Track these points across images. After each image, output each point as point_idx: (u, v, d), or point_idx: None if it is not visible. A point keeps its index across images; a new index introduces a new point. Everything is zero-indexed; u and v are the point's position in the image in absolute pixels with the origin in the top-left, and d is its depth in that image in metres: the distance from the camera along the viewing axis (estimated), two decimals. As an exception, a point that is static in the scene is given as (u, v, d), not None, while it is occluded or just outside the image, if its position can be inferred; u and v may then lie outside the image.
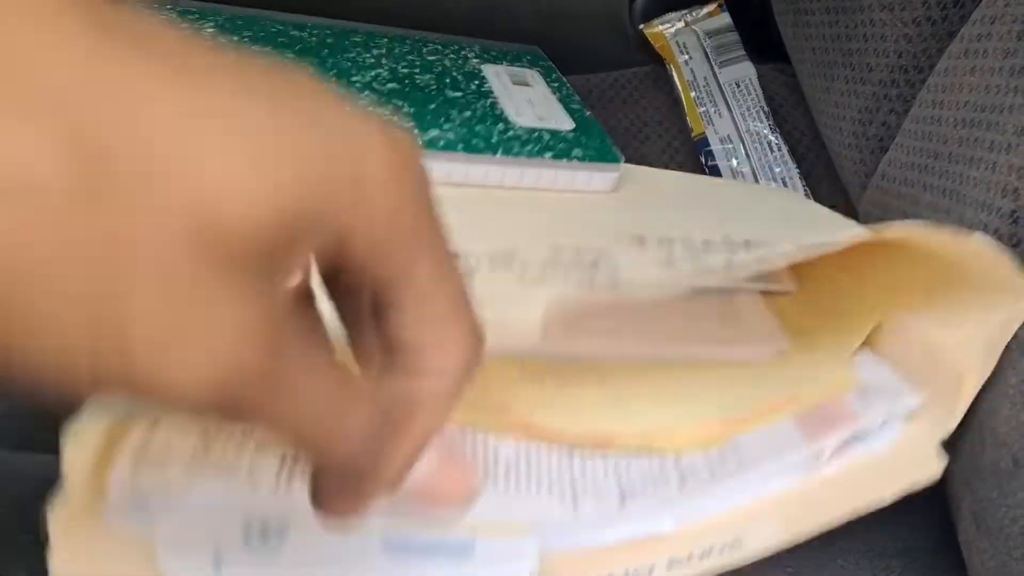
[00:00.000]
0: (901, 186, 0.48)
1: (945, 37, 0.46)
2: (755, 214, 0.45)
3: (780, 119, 0.62)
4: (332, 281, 0.21)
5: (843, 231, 0.35)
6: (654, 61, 0.66)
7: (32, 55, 0.15)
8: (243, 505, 0.31)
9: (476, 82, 0.52)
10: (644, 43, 0.67)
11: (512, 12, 0.68)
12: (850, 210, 0.54)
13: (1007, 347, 0.34)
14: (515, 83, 0.53)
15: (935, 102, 0.46)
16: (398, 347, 0.21)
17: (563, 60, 0.66)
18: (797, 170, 0.58)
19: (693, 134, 0.60)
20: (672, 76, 0.63)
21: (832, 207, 0.56)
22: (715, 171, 0.58)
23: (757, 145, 0.58)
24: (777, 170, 0.58)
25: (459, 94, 0.50)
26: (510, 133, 0.45)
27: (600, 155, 0.45)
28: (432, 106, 0.47)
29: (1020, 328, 0.34)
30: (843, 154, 0.55)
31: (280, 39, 0.52)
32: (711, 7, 0.65)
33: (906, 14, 0.48)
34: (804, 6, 0.57)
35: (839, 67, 0.54)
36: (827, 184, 0.58)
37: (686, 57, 0.63)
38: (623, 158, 0.45)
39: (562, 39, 0.67)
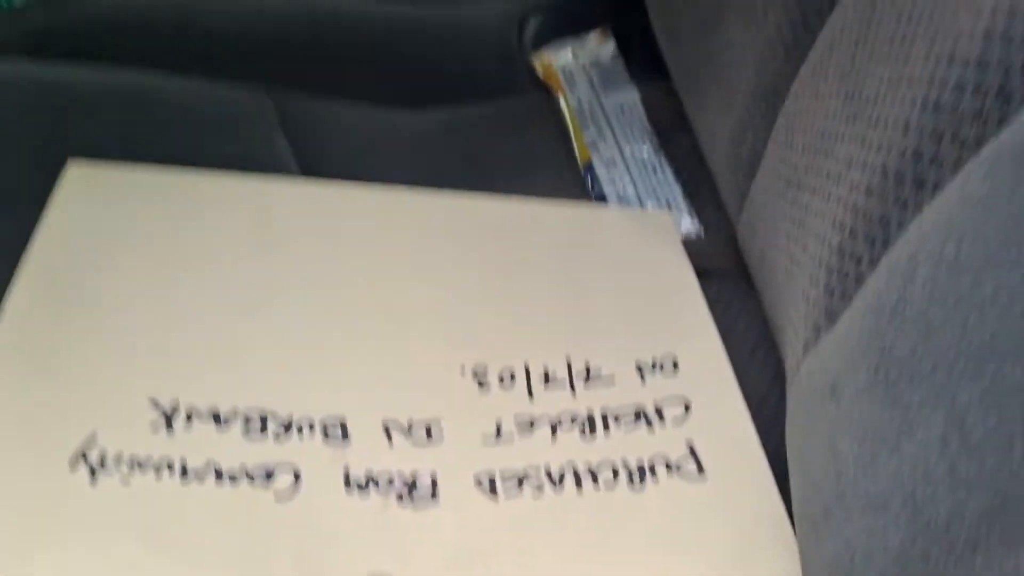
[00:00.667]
0: (766, 212, 0.48)
1: (798, 60, 0.46)
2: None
3: (667, 140, 0.61)
4: None
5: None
6: (543, 89, 0.65)
7: None
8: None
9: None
10: (532, 72, 0.67)
11: (398, 39, 0.67)
12: (732, 232, 0.54)
13: (819, 392, 0.34)
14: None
15: (788, 127, 0.46)
16: None
17: (453, 89, 0.66)
18: (681, 192, 0.58)
19: (580, 162, 0.60)
20: (560, 105, 0.63)
21: (717, 227, 0.56)
22: (601, 197, 0.58)
23: (641, 168, 0.58)
24: (661, 192, 0.58)
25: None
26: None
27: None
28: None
29: (826, 372, 0.34)
30: (721, 175, 0.55)
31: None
32: (596, 34, 0.65)
33: (761, 36, 0.48)
34: (675, 23, 0.57)
35: (710, 87, 0.54)
36: (711, 207, 0.57)
37: (573, 85, 0.63)
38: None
39: (451, 68, 0.67)
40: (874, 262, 0.33)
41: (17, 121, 0.55)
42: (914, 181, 0.32)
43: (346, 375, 0.43)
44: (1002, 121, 0.29)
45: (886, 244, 0.33)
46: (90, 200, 0.48)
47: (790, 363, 0.41)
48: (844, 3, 0.42)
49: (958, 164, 0.30)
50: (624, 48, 0.67)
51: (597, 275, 0.51)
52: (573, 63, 0.64)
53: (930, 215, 0.29)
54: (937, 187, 0.31)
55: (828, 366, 0.33)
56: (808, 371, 0.37)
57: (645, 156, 0.59)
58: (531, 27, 0.71)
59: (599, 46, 0.64)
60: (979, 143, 0.30)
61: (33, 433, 0.38)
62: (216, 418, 0.40)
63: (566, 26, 0.69)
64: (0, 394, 0.39)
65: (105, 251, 0.46)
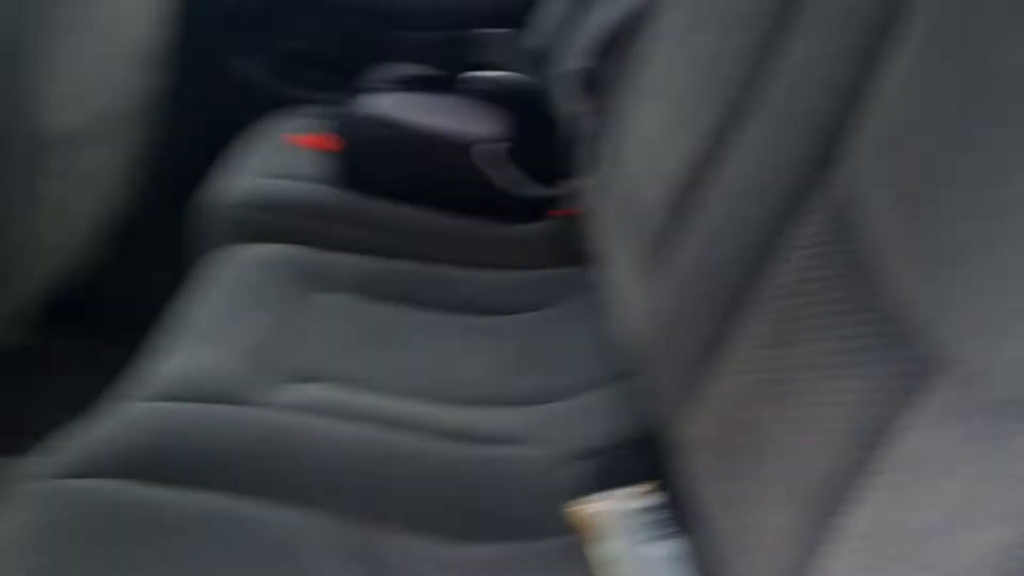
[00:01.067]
0: None
1: (815, 550, 0.53)
2: None
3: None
4: None
5: None
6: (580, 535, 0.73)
7: None
8: None
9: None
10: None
11: (448, 482, 0.76)
12: None
13: None
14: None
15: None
16: None
17: (498, 530, 0.73)
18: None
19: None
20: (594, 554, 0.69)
21: None
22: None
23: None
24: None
25: None
26: None
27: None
28: None
29: None
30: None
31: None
32: (642, 488, 0.73)
33: (782, 521, 0.56)
34: (701, 497, 0.65)
35: (735, 561, 0.60)
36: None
37: (614, 534, 0.70)
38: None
39: (497, 511, 0.74)
40: None
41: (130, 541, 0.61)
42: None
43: None
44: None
45: None
46: None
47: None
48: (860, 509, 0.50)
49: None
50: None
51: None
52: (613, 512, 0.71)
53: None
54: None
55: None
56: None
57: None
58: (578, 473, 0.80)
59: (644, 498, 0.72)
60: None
61: None
62: None
63: (606, 476, 0.78)
64: None
65: None
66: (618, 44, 1.07)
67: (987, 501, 0.40)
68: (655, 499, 0.72)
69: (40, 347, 1.55)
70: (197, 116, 1.80)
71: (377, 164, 1.28)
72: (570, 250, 1.29)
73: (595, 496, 0.74)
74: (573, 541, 0.72)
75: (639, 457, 0.81)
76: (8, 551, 0.61)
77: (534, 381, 0.96)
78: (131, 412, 0.76)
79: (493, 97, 1.24)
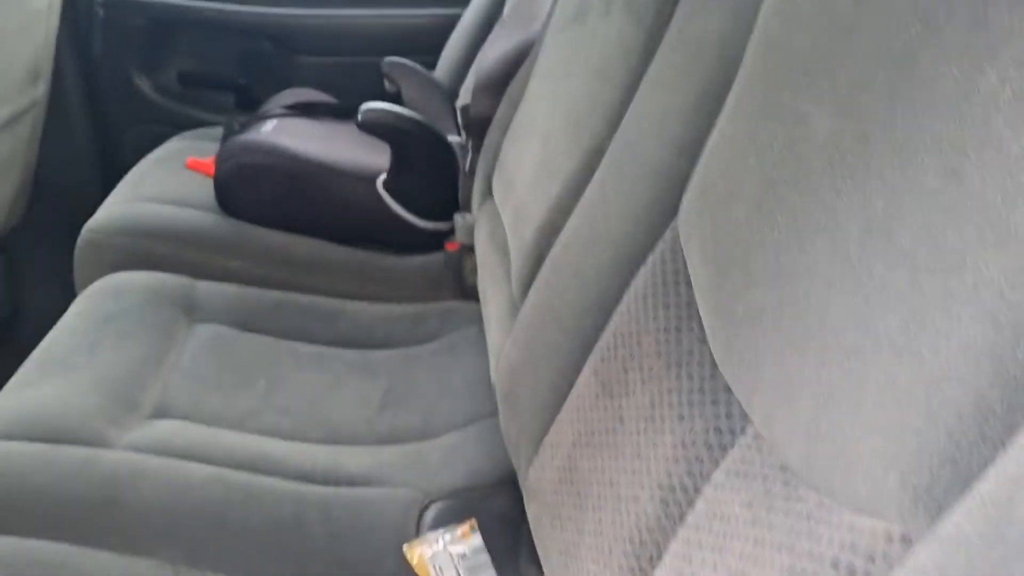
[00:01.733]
0: None
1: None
2: None
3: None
4: None
5: None
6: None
7: None
8: None
9: None
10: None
11: (304, 524, 0.75)
12: None
13: None
14: None
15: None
16: None
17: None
18: None
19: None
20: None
21: None
22: None
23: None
24: None
25: None
26: None
27: None
28: None
29: None
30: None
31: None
32: (464, 528, 0.73)
33: (608, 572, 0.56)
34: (546, 544, 0.66)
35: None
36: None
37: (444, 577, 0.70)
38: None
39: (352, 556, 0.74)
40: None
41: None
42: None
43: None
44: None
45: None
46: None
47: None
48: (664, 562, 0.51)
49: None
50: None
51: None
52: (443, 556, 0.71)
53: None
54: None
55: None
56: None
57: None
58: (431, 514, 0.80)
59: (465, 540, 0.72)
60: None
61: None
62: None
63: (465, 513, 0.78)
64: None
65: None
66: (496, 84, 1.08)
67: (762, 565, 0.41)
68: (474, 542, 0.72)
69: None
70: (100, 134, 1.76)
71: (256, 192, 1.26)
72: (463, 283, 1.29)
73: (424, 538, 0.74)
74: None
75: (496, 499, 0.81)
76: None
77: (403, 419, 0.95)
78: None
79: (374, 130, 1.23)
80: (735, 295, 0.51)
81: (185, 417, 0.88)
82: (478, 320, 1.15)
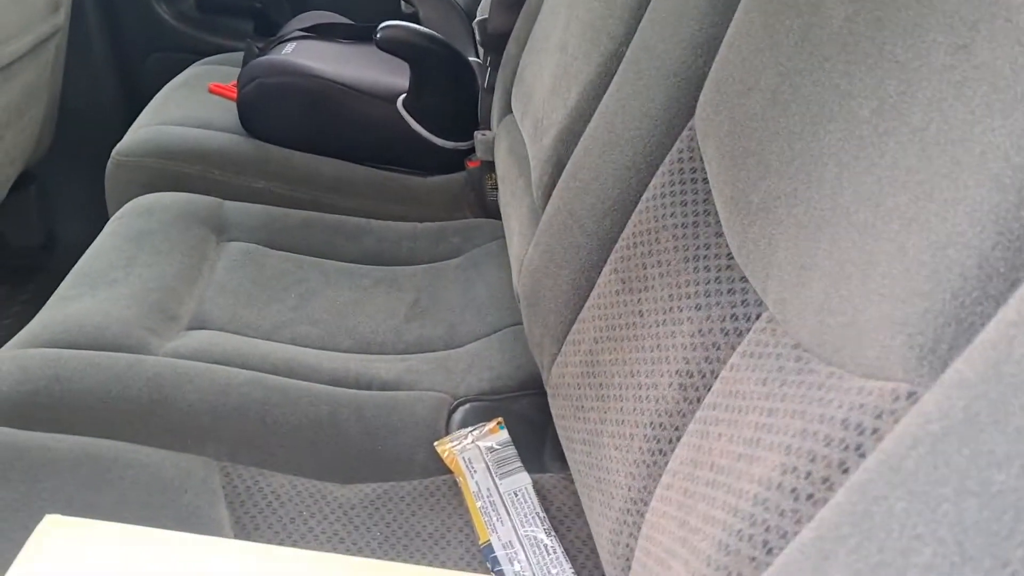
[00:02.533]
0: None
1: (655, 479, 0.57)
2: None
3: (565, 525, 0.71)
4: None
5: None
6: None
7: None
8: None
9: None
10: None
11: (340, 423, 0.78)
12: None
13: None
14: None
15: (648, 536, 0.55)
16: None
17: (384, 470, 0.76)
18: (573, 573, 0.66)
19: (480, 542, 0.68)
20: (462, 488, 0.73)
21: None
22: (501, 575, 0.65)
23: (534, 548, 0.67)
24: (555, 571, 0.66)
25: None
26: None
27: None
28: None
29: None
30: (606, 567, 0.63)
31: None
32: (492, 425, 0.77)
33: (629, 455, 0.59)
34: (570, 435, 0.69)
35: (595, 491, 0.64)
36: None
37: (473, 471, 0.73)
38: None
39: (385, 451, 0.77)
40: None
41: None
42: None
43: None
44: (766, 566, 0.39)
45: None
46: (57, 547, 0.54)
47: None
48: (682, 441, 0.54)
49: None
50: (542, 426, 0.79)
51: None
52: (472, 449, 0.74)
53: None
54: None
55: None
56: None
57: (539, 539, 0.67)
58: (459, 415, 0.84)
59: (493, 435, 0.76)
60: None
61: None
62: None
63: (490, 414, 0.81)
64: None
65: None
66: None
67: (771, 433, 0.43)
68: (501, 436, 0.76)
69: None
70: (121, 62, 1.77)
71: (279, 113, 1.28)
72: (485, 200, 1.31)
73: (454, 435, 0.77)
74: (446, 477, 0.75)
75: (519, 401, 0.84)
76: None
77: (430, 329, 0.98)
78: (7, 360, 0.77)
79: (392, 49, 1.23)
80: (750, 186, 0.52)
81: (221, 328, 0.91)
82: (499, 235, 1.17)
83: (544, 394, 0.86)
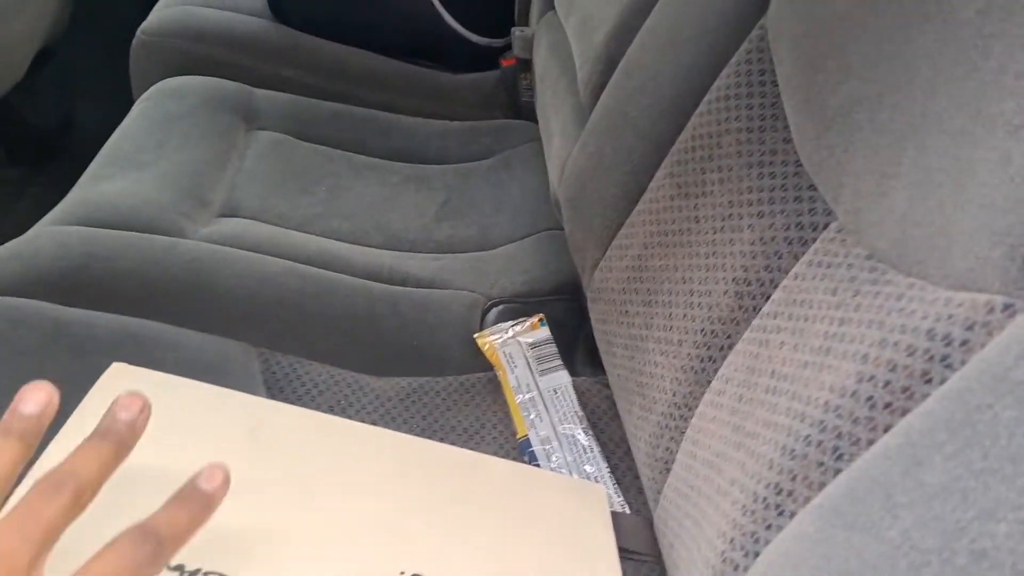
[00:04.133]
0: (675, 510, 0.56)
1: (704, 386, 0.57)
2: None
3: (598, 427, 0.71)
4: None
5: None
6: (496, 368, 0.76)
7: None
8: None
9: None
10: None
11: (376, 316, 0.78)
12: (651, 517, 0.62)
13: None
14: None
15: (693, 440, 0.55)
16: None
17: (419, 365, 0.76)
18: (609, 474, 0.67)
19: (517, 436, 0.69)
20: (502, 382, 0.73)
21: (639, 512, 0.64)
22: (536, 472, 0.66)
23: (571, 446, 0.67)
24: (589, 469, 0.67)
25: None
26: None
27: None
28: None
29: None
30: (642, 470, 0.63)
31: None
32: (533, 321, 0.76)
33: (676, 361, 0.59)
34: (611, 339, 0.68)
35: (635, 395, 0.64)
36: (635, 491, 0.66)
37: (513, 365, 0.73)
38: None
39: (420, 346, 0.77)
40: (744, 569, 0.41)
41: (36, 353, 0.63)
42: (775, 507, 0.41)
43: (302, 557, 0.48)
44: (835, 472, 0.39)
45: (755, 554, 0.41)
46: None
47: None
48: (736, 348, 0.53)
49: (805, 500, 0.39)
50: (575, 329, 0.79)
51: (531, 520, 0.57)
52: (513, 344, 0.74)
53: (780, 542, 0.38)
54: (790, 514, 0.40)
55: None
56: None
57: (577, 437, 0.68)
58: (493, 315, 0.83)
59: (534, 331, 0.75)
60: (820, 485, 0.39)
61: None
62: (180, 572, 0.45)
63: (524, 316, 0.81)
64: None
65: None
66: None
67: (844, 342, 0.42)
68: (542, 333, 0.76)
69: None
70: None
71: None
72: (517, 101, 1.28)
73: (494, 328, 0.77)
74: (481, 375, 0.76)
75: (553, 305, 0.83)
76: None
77: (461, 230, 0.97)
78: (45, 236, 0.76)
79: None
80: (828, 90, 0.50)
81: (253, 217, 0.90)
82: (532, 138, 1.14)
83: (577, 299, 0.86)
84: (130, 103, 1.10)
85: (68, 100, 1.57)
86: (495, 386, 0.75)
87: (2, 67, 1.39)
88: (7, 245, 0.74)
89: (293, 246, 0.85)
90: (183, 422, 0.55)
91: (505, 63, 1.26)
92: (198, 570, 0.46)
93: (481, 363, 0.78)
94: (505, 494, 0.59)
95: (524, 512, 0.58)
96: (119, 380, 0.56)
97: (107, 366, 0.57)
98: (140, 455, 0.51)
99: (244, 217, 0.90)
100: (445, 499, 0.57)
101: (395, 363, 0.75)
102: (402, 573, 0.50)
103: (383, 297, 0.80)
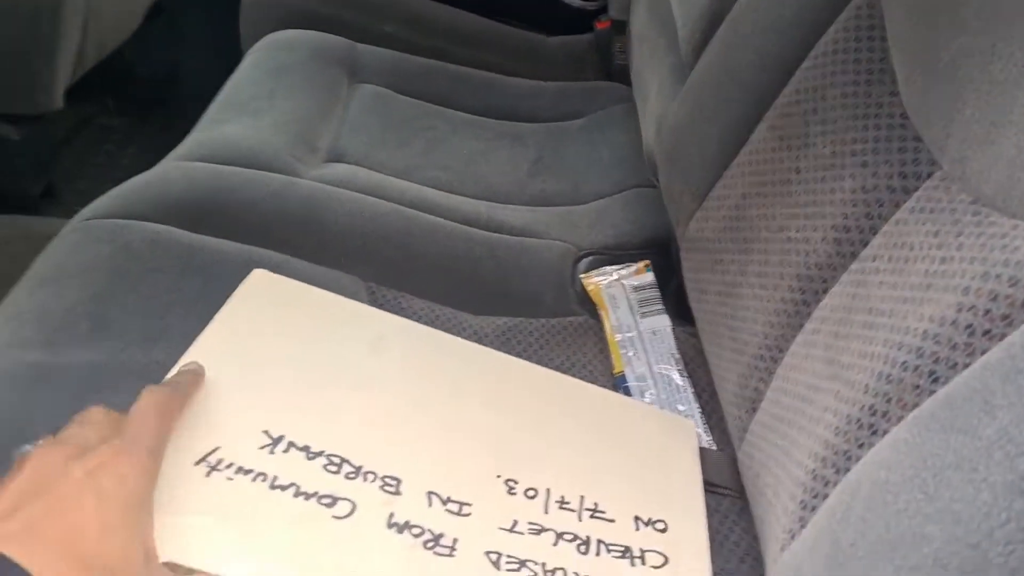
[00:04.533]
0: (762, 443, 0.59)
1: (797, 328, 0.59)
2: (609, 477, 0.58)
3: (690, 371, 0.74)
4: None
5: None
6: (588, 314, 0.79)
7: None
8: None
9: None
10: (582, 298, 0.81)
11: (474, 256, 0.82)
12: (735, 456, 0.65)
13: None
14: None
15: (784, 377, 0.58)
16: None
17: (515, 306, 0.80)
18: (700, 412, 0.70)
19: (614, 371, 0.72)
20: (601, 320, 0.76)
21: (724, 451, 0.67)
22: (627, 408, 0.69)
23: (666, 385, 0.70)
24: (681, 408, 0.70)
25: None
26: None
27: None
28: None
29: (795, 564, 0.44)
30: (728, 411, 0.66)
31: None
32: (639, 266, 0.79)
33: (769, 305, 0.62)
34: (704, 287, 0.71)
35: (725, 339, 0.67)
36: (719, 431, 0.69)
37: (615, 306, 0.76)
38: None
39: (515, 289, 0.81)
40: (835, 484, 0.44)
41: (172, 272, 0.68)
42: (868, 428, 0.44)
43: (412, 452, 0.54)
44: (930, 393, 0.41)
45: (845, 471, 0.44)
46: (261, 296, 0.61)
47: (769, 567, 0.51)
48: (832, 291, 0.56)
49: (899, 419, 0.42)
50: (661, 284, 0.82)
51: (622, 443, 0.61)
52: (616, 287, 0.78)
53: (874, 452, 0.41)
54: (883, 433, 0.42)
55: (796, 560, 0.44)
56: (781, 569, 0.47)
57: (672, 377, 0.71)
58: (584, 264, 0.87)
59: (639, 276, 0.79)
60: (914, 406, 0.41)
61: (182, 438, 0.49)
62: (307, 452, 0.50)
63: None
64: None
65: (261, 334, 0.58)
66: None
67: (945, 278, 0.45)
68: (647, 278, 0.79)
69: (84, 118, 1.60)
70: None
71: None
72: (610, 64, 1.30)
73: (600, 271, 0.81)
74: (572, 319, 0.79)
75: (648, 254, 0.86)
76: (51, 282, 0.68)
77: (553, 185, 1.00)
78: (174, 169, 0.82)
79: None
80: (940, 44, 0.52)
81: (357, 163, 0.95)
82: (624, 99, 1.17)
83: (664, 255, 0.89)
84: (231, 57, 1.16)
85: (175, 52, 1.65)
86: (586, 330, 0.78)
87: (120, 19, 1.47)
88: (139, 176, 0.80)
89: (397, 191, 0.89)
90: (314, 327, 0.60)
91: (600, 25, 1.28)
92: (322, 451, 0.51)
93: (572, 309, 0.81)
94: (600, 418, 0.63)
95: (617, 437, 0.62)
96: (260, 284, 0.61)
97: (235, 287, 0.62)
98: (273, 352, 0.56)
99: (349, 163, 0.95)
100: (543, 416, 0.61)
101: (491, 303, 0.79)
102: (498, 476, 0.54)
103: (481, 241, 0.84)
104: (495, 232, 0.88)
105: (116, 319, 0.63)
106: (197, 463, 0.48)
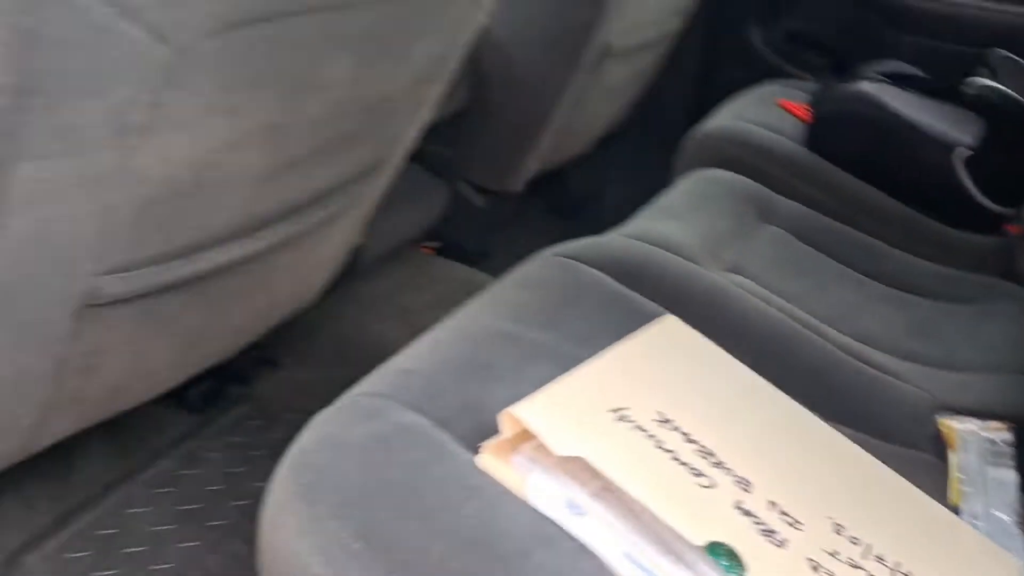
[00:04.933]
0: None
1: None
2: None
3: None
4: None
5: None
6: (935, 455, 0.84)
7: None
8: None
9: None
10: (933, 439, 0.86)
11: (842, 376, 0.91)
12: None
13: None
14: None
15: None
16: None
17: (865, 424, 0.87)
18: None
19: (948, 502, 0.77)
20: (950, 458, 0.81)
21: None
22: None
23: (999, 530, 0.73)
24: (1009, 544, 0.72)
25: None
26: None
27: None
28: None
29: None
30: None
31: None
32: (1001, 424, 0.83)
33: None
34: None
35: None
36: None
37: (966, 449, 0.81)
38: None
39: (875, 412, 0.89)
40: None
41: (599, 306, 0.87)
42: None
43: (765, 468, 0.65)
44: None
45: None
46: (673, 334, 0.78)
47: None
48: None
49: None
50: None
51: (946, 545, 0.67)
52: (972, 433, 0.82)
53: None
54: None
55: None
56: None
57: (1005, 522, 0.74)
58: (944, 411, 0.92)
59: (998, 431, 0.82)
60: None
61: (607, 396, 0.66)
62: (686, 437, 0.65)
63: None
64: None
65: (672, 350, 0.76)
66: None
67: None
68: (1006, 435, 0.82)
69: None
70: (703, 70, 2.08)
71: (844, 136, 1.42)
72: (1014, 267, 1.32)
73: (960, 416, 0.85)
74: (923, 455, 0.84)
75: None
76: (521, 288, 0.90)
77: (933, 349, 1.06)
78: (617, 239, 1.03)
79: (976, 104, 1.30)
80: None
81: (754, 279, 1.10)
82: (1019, 298, 1.19)
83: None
84: (651, 188, 1.38)
85: (607, 174, 1.96)
86: (929, 467, 0.83)
87: (577, 141, 1.80)
88: (592, 238, 1.02)
89: (784, 309, 1.02)
90: (709, 362, 0.75)
91: (1011, 229, 1.32)
92: (697, 441, 0.65)
93: (920, 445, 0.86)
94: (932, 514, 0.69)
95: (942, 537, 0.67)
96: (667, 327, 0.78)
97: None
98: (676, 365, 0.72)
99: (746, 277, 1.10)
100: (882, 492, 0.69)
101: (846, 417, 0.87)
102: (829, 517, 0.63)
103: (850, 365, 0.94)
104: (863, 362, 0.97)
105: (563, 319, 0.83)
106: (610, 411, 0.64)
